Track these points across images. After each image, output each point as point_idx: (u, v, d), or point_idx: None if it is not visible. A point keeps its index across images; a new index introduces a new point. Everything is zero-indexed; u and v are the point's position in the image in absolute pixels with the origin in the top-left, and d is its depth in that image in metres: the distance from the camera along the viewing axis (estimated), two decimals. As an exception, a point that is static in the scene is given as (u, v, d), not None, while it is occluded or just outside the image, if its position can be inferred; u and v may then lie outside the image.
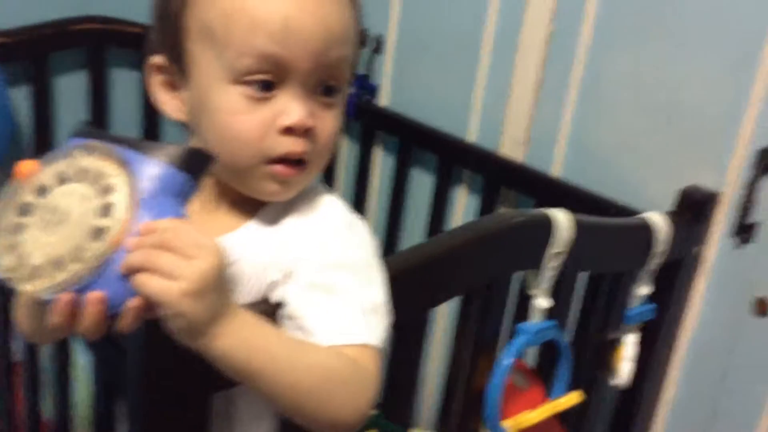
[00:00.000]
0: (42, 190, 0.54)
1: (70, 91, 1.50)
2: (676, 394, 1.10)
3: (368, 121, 1.44)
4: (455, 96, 1.31)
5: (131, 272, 0.50)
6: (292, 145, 0.60)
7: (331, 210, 0.66)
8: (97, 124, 1.53)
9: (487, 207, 1.26)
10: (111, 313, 0.50)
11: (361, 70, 1.44)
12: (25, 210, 0.54)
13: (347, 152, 1.53)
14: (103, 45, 1.47)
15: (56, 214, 0.53)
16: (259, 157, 0.61)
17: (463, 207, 1.33)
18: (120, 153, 0.54)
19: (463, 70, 1.28)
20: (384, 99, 1.43)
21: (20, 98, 1.43)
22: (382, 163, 1.46)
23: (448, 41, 1.31)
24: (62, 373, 0.91)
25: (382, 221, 1.44)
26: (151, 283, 0.49)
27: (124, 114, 1.57)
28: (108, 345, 0.64)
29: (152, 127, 1.56)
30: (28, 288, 0.51)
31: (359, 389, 0.57)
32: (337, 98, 0.63)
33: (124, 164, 0.53)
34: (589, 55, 1.11)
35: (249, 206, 0.65)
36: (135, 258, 0.49)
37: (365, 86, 1.43)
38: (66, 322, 0.50)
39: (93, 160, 0.54)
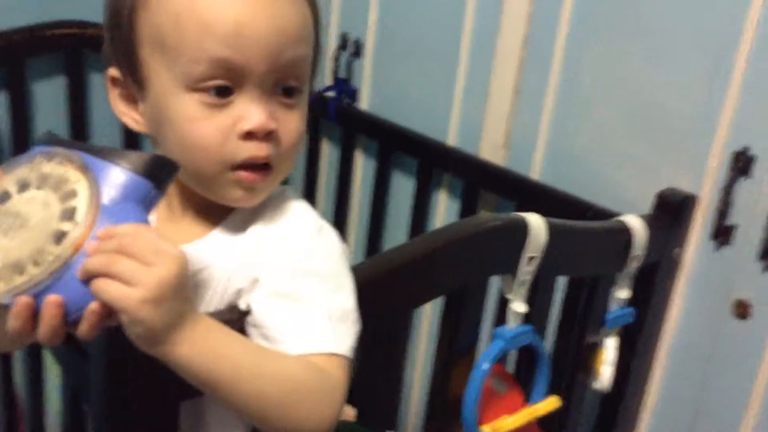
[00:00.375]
0: (2, 197, 0.53)
1: (48, 96, 1.49)
2: (658, 397, 1.10)
3: (348, 125, 1.43)
4: (434, 100, 1.30)
5: (90, 277, 0.49)
6: (255, 150, 0.59)
7: (298, 216, 0.64)
8: (76, 129, 1.52)
9: (467, 210, 1.25)
10: (70, 318, 0.49)
11: (341, 74, 1.44)
12: None
13: (328, 156, 1.52)
14: (79, 49, 1.46)
15: (17, 218, 0.52)
16: (222, 164, 0.60)
17: (444, 210, 1.33)
18: (82, 159, 0.53)
19: (442, 74, 1.28)
20: (364, 103, 1.42)
21: (-6, 104, 1.41)
22: (363, 167, 1.46)
23: (426, 45, 1.30)
24: (35, 378, 0.89)
25: (364, 225, 1.44)
26: (109, 289, 0.48)
27: (103, 118, 1.55)
28: (72, 350, 0.63)
29: (132, 131, 1.55)
30: None
31: (326, 398, 0.56)
32: (299, 98, 0.62)
33: (87, 170, 0.53)
34: (565, 58, 1.11)
35: (216, 213, 0.64)
36: (93, 263, 0.48)
37: (345, 90, 1.43)
38: (25, 326, 0.49)
39: (55, 166, 0.53)
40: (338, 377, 0.57)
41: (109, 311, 0.49)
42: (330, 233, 0.64)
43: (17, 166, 0.55)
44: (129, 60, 0.61)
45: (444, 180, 1.31)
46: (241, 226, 0.64)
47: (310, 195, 1.54)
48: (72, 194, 0.52)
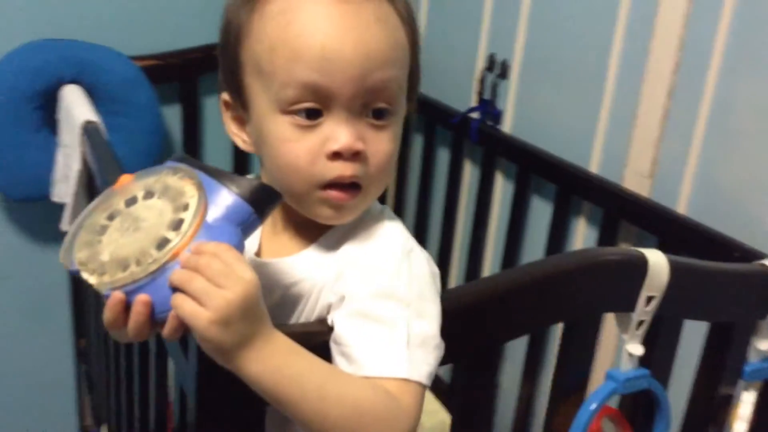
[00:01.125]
0: (130, 201, 0.59)
1: (217, 110, 1.61)
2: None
3: (490, 147, 1.42)
4: (578, 124, 1.26)
5: (175, 287, 0.53)
6: (342, 169, 0.61)
7: (388, 237, 0.65)
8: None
9: (605, 241, 1.19)
10: (156, 317, 0.54)
11: (486, 95, 1.43)
12: (112, 215, 0.59)
13: (469, 177, 1.52)
14: (244, 68, 1.57)
15: (135, 221, 0.58)
16: (311, 183, 0.62)
17: (581, 239, 1.28)
18: (200, 178, 0.58)
19: (588, 98, 1.23)
20: (507, 125, 1.41)
21: (171, 116, 1.56)
22: (502, 190, 1.44)
23: (573, 68, 1.27)
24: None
25: (500, 248, 1.42)
26: (184, 306, 0.52)
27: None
28: (179, 349, 0.68)
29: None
30: (92, 281, 0.56)
31: (393, 425, 0.56)
32: (390, 120, 0.63)
33: (201, 188, 0.58)
34: (718, 85, 1.03)
35: (313, 230, 0.67)
36: (175, 277, 0.53)
37: (489, 111, 1.42)
38: (116, 319, 0.54)
39: (176, 180, 0.59)
40: (409, 404, 0.57)
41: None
42: (419, 257, 0.64)
43: (148, 175, 0.61)
44: (236, 85, 0.65)
45: (583, 208, 1.27)
46: (335, 244, 0.66)
47: (449, 216, 1.54)
48: (184, 207, 0.57)
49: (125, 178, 0.62)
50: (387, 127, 0.63)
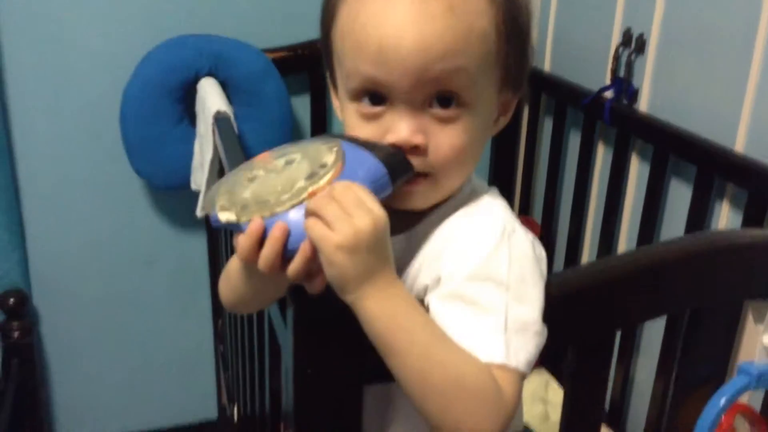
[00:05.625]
0: (272, 168, 0.62)
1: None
2: None
3: (624, 128, 1.34)
4: (722, 100, 1.16)
5: (308, 216, 0.54)
6: None
7: (487, 218, 0.63)
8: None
9: (751, 227, 1.09)
10: (288, 249, 0.55)
11: (621, 73, 1.35)
12: (253, 178, 0.62)
13: (602, 159, 1.44)
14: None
15: (277, 174, 0.61)
16: None
17: (725, 224, 1.17)
18: (340, 143, 0.61)
19: (733, 73, 1.13)
20: (643, 103, 1.32)
21: (301, 107, 1.60)
22: (638, 173, 1.35)
23: (716, 41, 1.16)
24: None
25: (635, 235, 1.33)
26: (315, 228, 0.53)
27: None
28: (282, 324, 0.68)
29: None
30: (231, 217, 0.58)
31: (488, 408, 0.54)
32: (461, 111, 0.61)
33: (340, 150, 0.60)
34: None
35: (417, 210, 0.65)
36: (312, 202, 0.54)
37: (624, 90, 1.34)
38: (252, 247, 0.55)
39: (318, 146, 0.62)
40: (507, 392, 0.55)
41: (315, 253, 0.53)
42: (521, 238, 0.61)
43: (290, 146, 0.64)
44: (328, 65, 0.67)
45: (727, 190, 1.16)
46: (436, 224, 0.65)
47: (581, 201, 1.47)
48: (322, 165, 0.59)
49: (266, 154, 0.65)
50: (456, 119, 0.61)
